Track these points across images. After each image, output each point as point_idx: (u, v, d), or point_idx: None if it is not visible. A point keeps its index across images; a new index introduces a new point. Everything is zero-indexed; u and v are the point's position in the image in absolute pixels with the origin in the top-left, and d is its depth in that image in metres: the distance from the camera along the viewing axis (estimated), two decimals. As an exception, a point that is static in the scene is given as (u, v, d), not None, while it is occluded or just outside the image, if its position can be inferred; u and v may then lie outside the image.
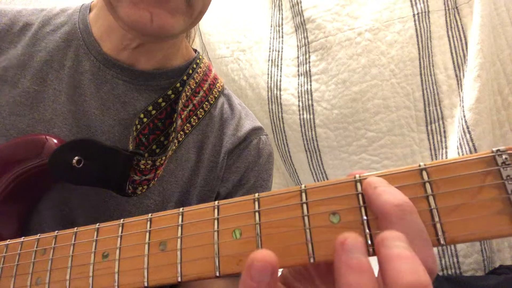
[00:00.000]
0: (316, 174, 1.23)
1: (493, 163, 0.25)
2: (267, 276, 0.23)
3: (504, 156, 0.24)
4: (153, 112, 0.55)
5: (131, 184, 0.51)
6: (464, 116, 0.98)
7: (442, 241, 0.25)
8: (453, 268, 0.99)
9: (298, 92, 1.20)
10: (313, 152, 1.20)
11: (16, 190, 0.48)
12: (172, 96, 0.57)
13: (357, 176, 0.27)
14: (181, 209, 0.31)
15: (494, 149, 0.25)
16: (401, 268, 0.21)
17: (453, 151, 1.02)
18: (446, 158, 1.04)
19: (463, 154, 0.97)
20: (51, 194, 0.51)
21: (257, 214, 0.28)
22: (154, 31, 0.46)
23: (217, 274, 0.28)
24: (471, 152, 0.95)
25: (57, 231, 0.36)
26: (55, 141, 0.49)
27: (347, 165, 1.16)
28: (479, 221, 0.24)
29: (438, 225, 0.25)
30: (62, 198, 0.51)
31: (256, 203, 0.29)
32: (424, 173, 0.26)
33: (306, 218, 0.27)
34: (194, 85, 0.59)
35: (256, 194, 0.29)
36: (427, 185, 0.26)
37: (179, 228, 0.31)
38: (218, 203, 0.30)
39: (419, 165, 0.26)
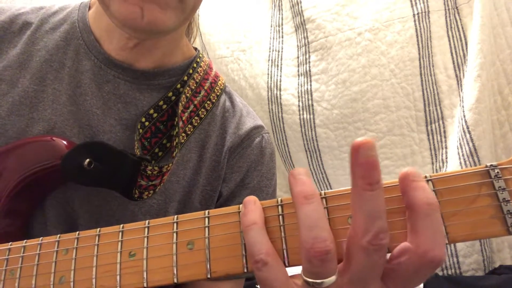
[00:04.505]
0: (316, 174, 1.23)
1: (487, 176, 0.29)
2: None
3: (496, 170, 0.29)
4: (155, 115, 0.55)
5: (137, 189, 0.51)
6: (464, 116, 0.97)
7: (446, 241, 0.29)
8: (453, 268, 0.99)
9: (298, 92, 1.20)
10: (313, 152, 1.20)
11: (24, 190, 0.49)
12: (173, 98, 0.56)
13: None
14: (206, 212, 0.33)
15: (488, 164, 0.29)
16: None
17: (453, 151, 1.02)
18: (446, 158, 1.04)
19: (463, 154, 0.97)
20: (56, 193, 0.51)
21: (280, 217, 0.32)
22: (145, 27, 0.46)
23: (245, 270, 0.31)
24: (471, 152, 0.95)
25: (78, 232, 0.37)
26: (65, 142, 0.50)
27: (347, 165, 1.16)
28: (475, 224, 0.29)
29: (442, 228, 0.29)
30: (66, 198, 0.52)
31: (280, 207, 0.32)
32: (430, 183, 0.30)
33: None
34: (195, 85, 0.58)
35: (279, 199, 0.32)
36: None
37: (206, 229, 0.33)
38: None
39: (425, 176, 0.30)
